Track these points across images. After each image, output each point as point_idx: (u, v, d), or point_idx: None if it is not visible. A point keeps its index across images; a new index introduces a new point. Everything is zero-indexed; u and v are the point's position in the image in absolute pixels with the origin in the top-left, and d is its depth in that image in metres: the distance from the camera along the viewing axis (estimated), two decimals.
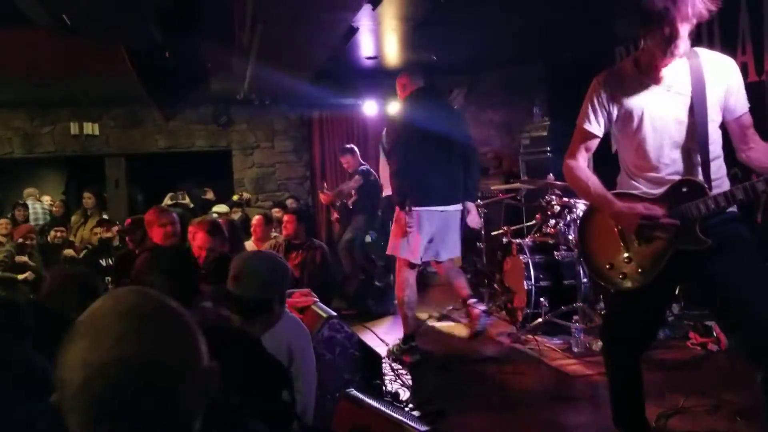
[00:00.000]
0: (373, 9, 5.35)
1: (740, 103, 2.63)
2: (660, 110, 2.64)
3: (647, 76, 2.66)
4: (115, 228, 7.56)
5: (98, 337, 1.02)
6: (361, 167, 8.02)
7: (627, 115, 2.70)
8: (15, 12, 3.77)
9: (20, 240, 6.88)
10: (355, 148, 8.24)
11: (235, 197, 9.56)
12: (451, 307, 6.66)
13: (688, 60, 2.62)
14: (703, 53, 2.65)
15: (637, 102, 2.67)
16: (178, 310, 1.11)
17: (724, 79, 2.61)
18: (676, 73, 2.62)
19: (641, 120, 2.66)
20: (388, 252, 5.38)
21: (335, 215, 8.57)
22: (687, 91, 2.61)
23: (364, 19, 6.21)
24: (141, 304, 1.08)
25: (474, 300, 5.26)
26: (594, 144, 2.83)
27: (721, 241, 2.53)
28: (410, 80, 5.41)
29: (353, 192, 7.88)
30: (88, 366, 0.99)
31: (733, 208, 2.60)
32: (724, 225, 2.58)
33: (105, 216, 8.26)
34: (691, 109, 2.60)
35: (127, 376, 1.00)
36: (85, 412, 1.00)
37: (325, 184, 8.67)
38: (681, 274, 2.68)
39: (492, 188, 7.68)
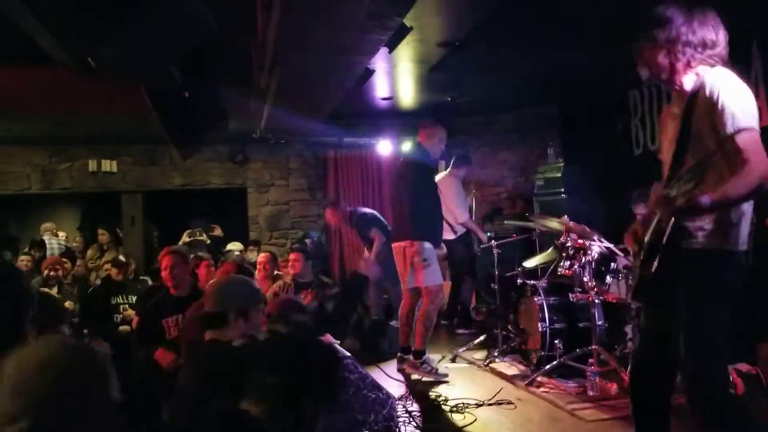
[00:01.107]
0: (390, 52, 5.43)
1: (722, 124, 2.53)
2: (668, 133, 2.84)
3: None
4: (132, 267, 7.54)
5: None
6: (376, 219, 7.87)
7: None
8: (37, 51, 3.85)
9: (45, 272, 6.82)
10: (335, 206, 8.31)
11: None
12: (463, 348, 6.61)
13: (694, 83, 2.68)
14: (709, 73, 2.66)
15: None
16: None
17: (714, 95, 2.58)
18: (681, 96, 2.75)
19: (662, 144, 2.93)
20: None
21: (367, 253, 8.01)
22: (680, 113, 2.72)
23: (380, 62, 6.32)
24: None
25: (422, 362, 5.71)
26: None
27: (680, 272, 2.64)
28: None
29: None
30: None
31: (707, 244, 2.63)
32: (687, 260, 2.64)
33: (121, 256, 8.16)
34: (678, 129, 2.71)
35: None
36: None
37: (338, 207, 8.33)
38: (667, 294, 2.72)
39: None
